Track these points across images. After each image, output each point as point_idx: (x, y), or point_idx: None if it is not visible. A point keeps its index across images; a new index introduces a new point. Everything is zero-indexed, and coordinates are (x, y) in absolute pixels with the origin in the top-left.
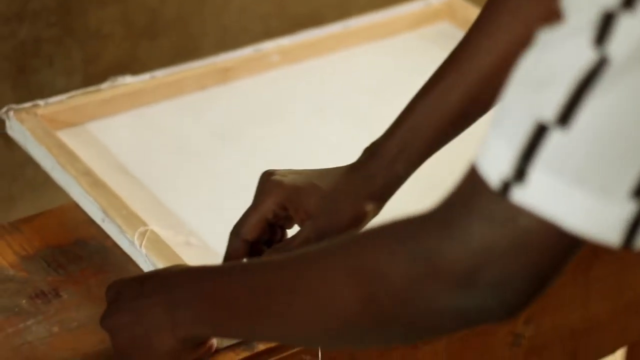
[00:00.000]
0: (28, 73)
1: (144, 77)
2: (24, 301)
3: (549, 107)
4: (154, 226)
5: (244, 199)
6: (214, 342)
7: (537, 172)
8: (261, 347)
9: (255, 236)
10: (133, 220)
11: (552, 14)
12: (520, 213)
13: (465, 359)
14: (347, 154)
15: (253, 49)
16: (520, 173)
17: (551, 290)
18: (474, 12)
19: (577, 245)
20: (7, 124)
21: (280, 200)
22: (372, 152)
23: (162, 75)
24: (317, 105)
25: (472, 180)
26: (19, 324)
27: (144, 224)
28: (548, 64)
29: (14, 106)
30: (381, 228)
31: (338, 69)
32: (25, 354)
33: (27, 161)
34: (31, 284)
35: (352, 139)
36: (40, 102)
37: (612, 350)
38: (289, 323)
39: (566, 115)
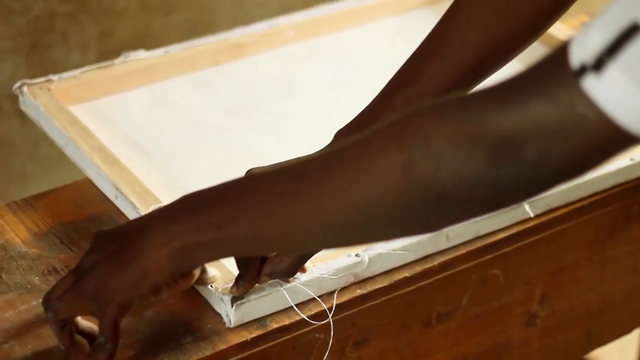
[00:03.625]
0: (42, 49)
1: (158, 53)
2: (36, 278)
3: None
4: (168, 202)
5: None
6: (198, 272)
7: (615, 67)
8: (274, 324)
9: None
10: (146, 196)
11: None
12: (583, 100)
13: (480, 339)
14: None
15: (267, 24)
16: (599, 63)
17: (566, 270)
18: None
19: (623, 145)
20: (21, 99)
21: None
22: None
23: (175, 50)
24: (331, 82)
25: (554, 58)
26: (31, 301)
27: (158, 200)
28: None
29: (27, 81)
30: (438, 99)
31: (352, 45)
32: (37, 331)
33: (41, 138)
34: (44, 261)
35: None
36: (54, 78)
37: (628, 331)
38: (315, 204)
39: None
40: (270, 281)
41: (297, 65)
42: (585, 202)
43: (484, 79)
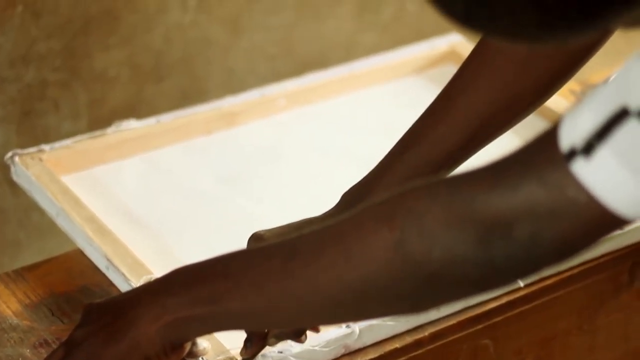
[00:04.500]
0: (33, 117)
1: (150, 122)
2: (27, 351)
3: (637, 97)
4: (159, 274)
5: None
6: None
7: (604, 151)
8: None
9: None
10: (137, 267)
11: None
12: (573, 183)
13: None
14: None
15: (259, 92)
16: (589, 147)
17: (557, 339)
18: None
19: (613, 228)
20: (12, 169)
21: None
22: (356, 199)
23: (167, 119)
24: (324, 149)
25: (544, 140)
26: None
27: (149, 271)
28: None
29: (19, 151)
30: (429, 179)
31: (344, 112)
32: None
33: (33, 206)
34: (35, 333)
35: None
36: (46, 147)
37: None
38: (308, 282)
39: None
40: (278, 342)
41: (289, 132)
42: (574, 271)
43: (490, 142)
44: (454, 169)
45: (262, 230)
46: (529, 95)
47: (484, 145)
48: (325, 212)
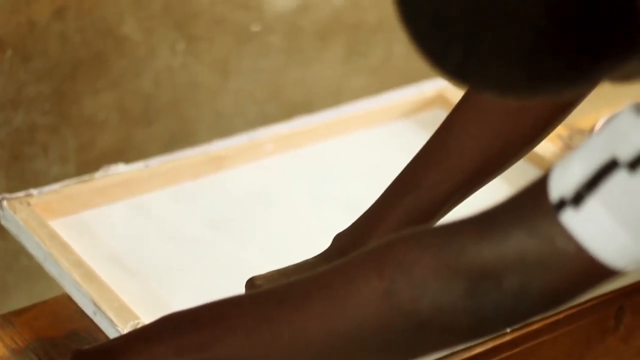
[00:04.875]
0: (22, 161)
1: (138, 166)
2: None
3: (626, 148)
4: (146, 319)
5: (239, 290)
6: None
7: (594, 202)
8: None
9: None
10: (125, 313)
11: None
12: (562, 234)
13: None
14: None
15: (247, 137)
16: (578, 198)
17: None
18: None
19: (602, 278)
20: (1, 213)
21: None
22: (348, 242)
23: (156, 164)
24: (312, 193)
25: (534, 190)
26: None
27: (136, 317)
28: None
29: (7, 195)
30: (418, 229)
31: (332, 155)
32: None
33: (21, 250)
34: None
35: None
36: (34, 192)
37: None
38: (297, 329)
39: (637, 162)
40: None
41: (277, 177)
42: (560, 316)
43: (482, 186)
44: (447, 213)
45: (258, 276)
46: (520, 141)
47: (476, 190)
48: (318, 255)
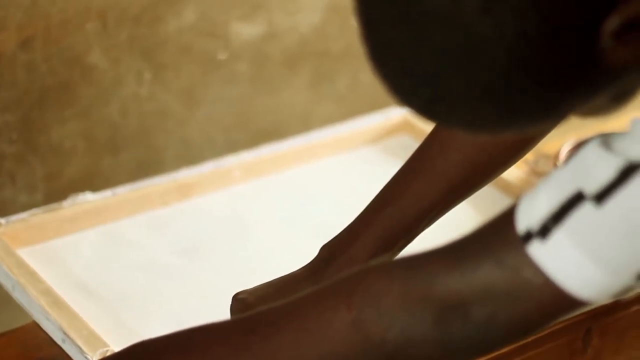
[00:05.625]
0: None
1: (106, 194)
2: None
3: (593, 182)
4: (116, 347)
5: (209, 318)
6: None
7: (560, 234)
8: None
9: None
10: (94, 340)
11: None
12: (529, 265)
13: None
14: None
15: (215, 165)
16: (545, 230)
17: None
18: (430, 126)
19: (569, 309)
20: None
21: None
22: (334, 253)
23: (123, 192)
24: (281, 219)
25: (501, 222)
26: None
27: (105, 344)
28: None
29: None
30: (389, 260)
31: (300, 182)
32: None
33: None
34: None
35: (317, 252)
36: (2, 221)
37: None
38: (267, 357)
39: (603, 195)
40: None
41: (246, 204)
42: (529, 339)
43: (465, 199)
44: (430, 224)
45: (243, 290)
46: (505, 153)
47: (460, 202)
48: (304, 266)
